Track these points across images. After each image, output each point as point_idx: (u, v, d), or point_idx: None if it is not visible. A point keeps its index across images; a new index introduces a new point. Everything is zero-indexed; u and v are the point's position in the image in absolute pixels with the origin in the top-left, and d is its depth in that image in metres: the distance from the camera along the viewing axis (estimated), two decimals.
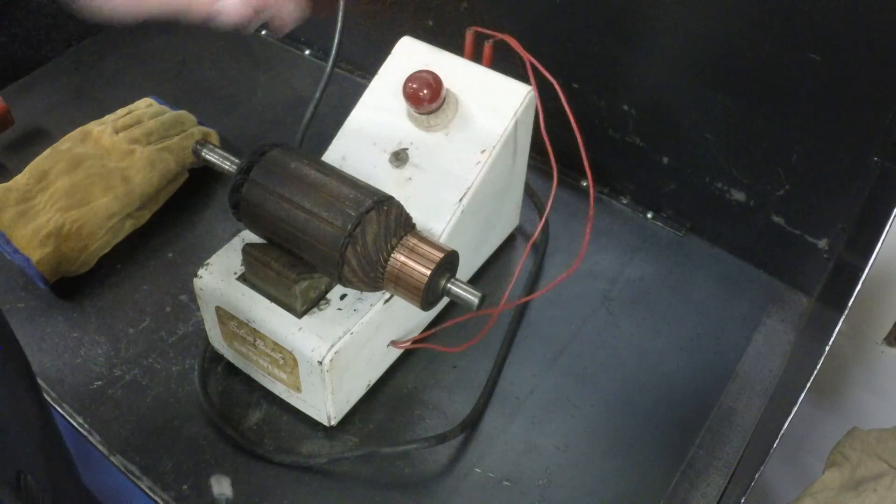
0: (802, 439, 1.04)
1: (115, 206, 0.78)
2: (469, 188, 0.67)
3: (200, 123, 0.90)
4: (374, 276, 0.59)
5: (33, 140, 0.92)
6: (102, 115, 0.87)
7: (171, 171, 0.83)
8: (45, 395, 0.69)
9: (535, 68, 0.67)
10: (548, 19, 0.82)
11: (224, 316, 0.66)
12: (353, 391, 0.68)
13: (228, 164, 0.66)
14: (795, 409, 0.58)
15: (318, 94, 0.72)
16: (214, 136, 0.89)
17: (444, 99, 0.68)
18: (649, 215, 0.88)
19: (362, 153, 0.71)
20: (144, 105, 0.89)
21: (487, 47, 0.72)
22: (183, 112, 0.89)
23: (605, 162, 0.86)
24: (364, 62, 1.02)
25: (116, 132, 0.84)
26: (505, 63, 0.71)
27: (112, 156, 0.82)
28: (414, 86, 0.66)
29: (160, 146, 0.84)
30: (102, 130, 0.84)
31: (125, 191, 0.79)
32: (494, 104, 0.69)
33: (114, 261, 0.80)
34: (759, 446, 0.67)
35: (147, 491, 0.64)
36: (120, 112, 0.88)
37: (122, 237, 0.80)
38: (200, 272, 0.66)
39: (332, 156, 0.72)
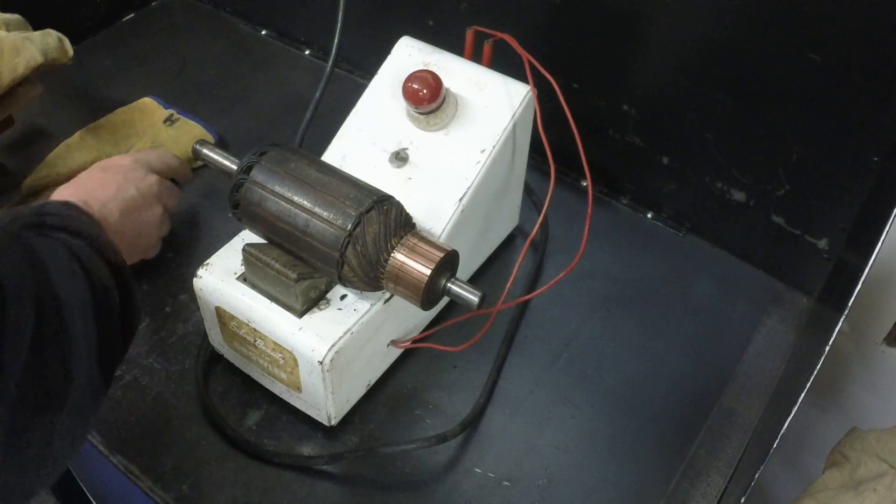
0: (802, 439, 1.04)
1: None
2: (469, 188, 0.67)
3: (199, 123, 0.90)
4: (374, 276, 0.59)
5: (33, 140, 0.91)
6: (103, 116, 0.87)
7: (36, 62, 0.79)
8: None
9: (534, 68, 0.67)
10: (548, 19, 0.82)
11: (224, 316, 0.66)
12: (353, 391, 0.68)
13: (228, 163, 0.66)
14: (795, 409, 0.58)
15: (318, 94, 0.72)
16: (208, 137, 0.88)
17: (444, 98, 0.68)
18: (649, 215, 0.88)
19: (362, 153, 0.71)
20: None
21: (487, 47, 0.72)
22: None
23: (605, 162, 0.86)
24: (364, 62, 1.02)
25: None
26: (505, 63, 0.71)
27: None
28: (414, 85, 0.66)
29: (23, 35, 0.80)
30: None
31: None
32: (494, 104, 0.69)
33: None
34: (759, 446, 0.67)
35: (147, 491, 0.64)
36: None
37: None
38: (200, 272, 0.66)
39: (332, 156, 0.72)
